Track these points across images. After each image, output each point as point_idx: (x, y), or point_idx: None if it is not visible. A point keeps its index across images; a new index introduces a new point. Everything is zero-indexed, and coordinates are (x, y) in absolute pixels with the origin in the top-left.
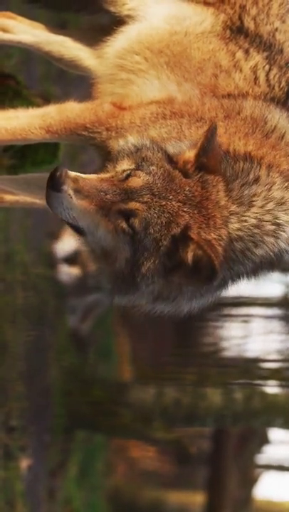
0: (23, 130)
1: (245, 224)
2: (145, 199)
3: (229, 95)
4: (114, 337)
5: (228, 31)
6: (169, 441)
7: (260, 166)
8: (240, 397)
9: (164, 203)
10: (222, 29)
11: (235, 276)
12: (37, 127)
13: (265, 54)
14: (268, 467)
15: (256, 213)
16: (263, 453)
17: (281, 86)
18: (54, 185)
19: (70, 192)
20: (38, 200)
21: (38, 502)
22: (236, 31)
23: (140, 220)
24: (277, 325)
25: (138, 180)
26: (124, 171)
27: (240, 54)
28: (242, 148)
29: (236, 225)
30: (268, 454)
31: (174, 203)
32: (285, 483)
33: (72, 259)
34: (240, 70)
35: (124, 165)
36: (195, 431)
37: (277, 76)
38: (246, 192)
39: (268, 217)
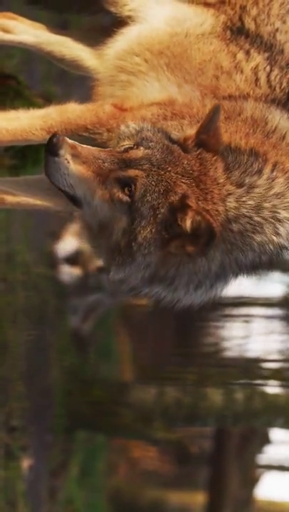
0: (24, 131)
1: (243, 205)
2: (144, 167)
3: (230, 96)
4: (115, 337)
5: (228, 32)
6: (169, 441)
7: (266, 162)
8: (241, 397)
9: (162, 172)
10: (222, 30)
11: (235, 266)
12: (38, 128)
13: (266, 55)
14: (269, 467)
15: (255, 197)
16: (263, 453)
17: (282, 87)
18: (52, 149)
19: (68, 157)
20: (39, 202)
21: (39, 502)
22: (237, 32)
23: (138, 186)
24: (278, 325)
25: (137, 152)
26: (122, 146)
27: (241, 55)
28: (245, 144)
29: (234, 204)
30: (269, 454)
31: (172, 173)
32: (286, 483)
33: (73, 259)
34: (241, 71)
35: (125, 144)
36: (196, 431)
37: (278, 77)
38: (247, 180)
39: (267, 204)
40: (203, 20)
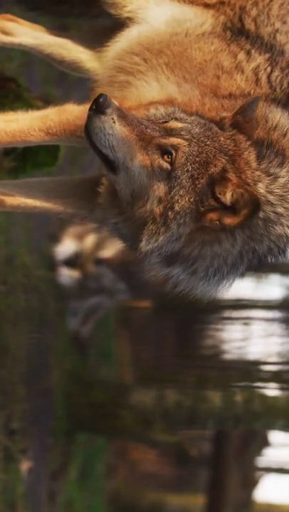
0: (22, 132)
1: (271, 193)
2: (186, 137)
3: (230, 95)
4: (115, 339)
5: (228, 32)
6: (169, 443)
7: (283, 156)
8: (240, 399)
9: (202, 144)
10: (222, 31)
11: (251, 256)
12: (36, 129)
13: (267, 55)
14: (269, 470)
15: (280, 187)
16: (263, 455)
17: (283, 87)
18: (99, 107)
19: (114, 116)
20: (39, 204)
21: (39, 504)
22: (237, 33)
23: (180, 154)
24: (277, 327)
25: (177, 124)
26: (161, 118)
27: (242, 55)
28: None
29: (263, 190)
30: (269, 456)
31: (211, 147)
32: (285, 485)
33: (72, 261)
34: (242, 72)
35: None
36: (196, 433)
37: (279, 78)
38: (272, 170)
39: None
40: (203, 20)
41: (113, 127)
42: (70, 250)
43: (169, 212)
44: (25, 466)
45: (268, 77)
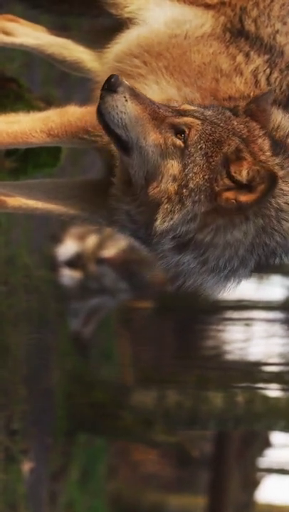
0: (24, 134)
1: (285, 183)
2: (199, 117)
3: (230, 98)
4: (116, 340)
5: (228, 34)
6: (170, 444)
7: None
8: (241, 400)
9: (215, 125)
10: (222, 32)
11: (261, 251)
12: (38, 131)
13: (266, 57)
14: (270, 470)
15: None
16: (264, 456)
17: (282, 89)
18: (111, 85)
19: (127, 95)
20: (40, 206)
21: (40, 505)
22: (237, 34)
23: (193, 132)
24: (278, 328)
25: (190, 106)
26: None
27: (240, 57)
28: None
29: (280, 175)
30: (270, 457)
31: (224, 129)
32: (286, 486)
33: (73, 262)
34: (241, 74)
35: None
36: (197, 434)
37: (278, 79)
38: (286, 164)
39: None
40: (203, 21)
41: (126, 105)
42: (71, 251)
43: (184, 190)
44: (26, 466)
45: (267, 78)
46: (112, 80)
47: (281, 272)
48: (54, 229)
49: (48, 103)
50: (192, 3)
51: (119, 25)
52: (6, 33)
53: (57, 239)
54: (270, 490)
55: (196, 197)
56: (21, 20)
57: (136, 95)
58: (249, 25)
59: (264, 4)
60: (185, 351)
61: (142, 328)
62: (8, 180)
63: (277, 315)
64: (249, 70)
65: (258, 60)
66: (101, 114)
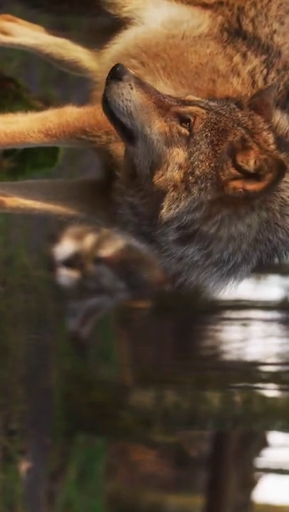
0: (22, 134)
1: None
2: (204, 106)
3: (227, 99)
4: (115, 340)
5: (225, 34)
6: (169, 444)
7: None
8: (240, 400)
9: (220, 115)
10: (219, 32)
11: (264, 248)
12: (36, 131)
13: (263, 57)
14: (268, 470)
15: None
16: (262, 456)
17: (279, 89)
18: (116, 74)
19: (132, 83)
20: (38, 206)
21: (38, 505)
22: (234, 34)
23: (198, 121)
24: (276, 328)
25: (194, 97)
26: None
27: (237, 58)
28: None
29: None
30: (268, 457)
31: (229, 119)
32: (284, 486)
33: (71, 262)
34: (238, 75)
35: None
36: (195, 434)
37: (275, 80)
38: None
39: None
40: (201, 22)
41: (131, 93)
42: (69, 251)
43: (190, 177)
44: (24, 466)
45: (265, 79)
46: (118, 68)
47: (279, 271)
48: (52, 229)
49: (47, 103)
50: (190, 3)
51: (117, 25)
52: (5, 32)
53: (55, 239)
54: (268, 490)
55: (203, 184)
56: (20, 20)
57: (141, 84)
58: (247, 25)
59: (262, 4)
60: (183, 351)
61: (140, 328)
62: (6, 180)
63: (275, 315)
64: (246, 70)
65: (255, 61)
66: (106, 101)
